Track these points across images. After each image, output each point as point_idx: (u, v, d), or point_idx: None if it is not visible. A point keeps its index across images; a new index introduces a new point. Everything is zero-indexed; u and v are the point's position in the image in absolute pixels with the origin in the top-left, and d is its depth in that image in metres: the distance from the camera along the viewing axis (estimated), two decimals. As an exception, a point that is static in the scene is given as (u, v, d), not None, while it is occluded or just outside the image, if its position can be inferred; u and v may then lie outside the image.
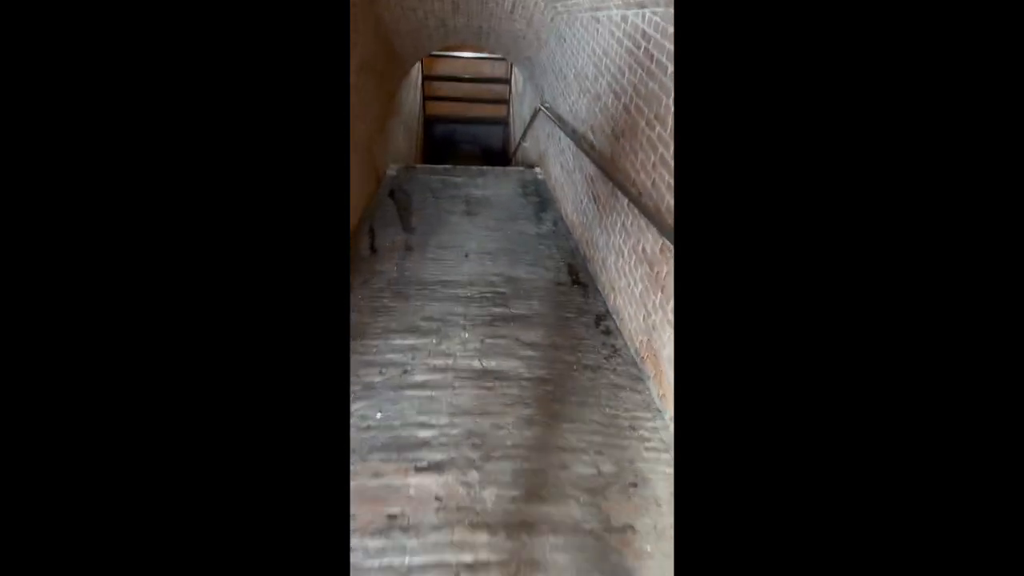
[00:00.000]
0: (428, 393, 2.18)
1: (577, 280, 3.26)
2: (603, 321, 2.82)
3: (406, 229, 3.83)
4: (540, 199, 4.66)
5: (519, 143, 7.21)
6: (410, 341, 2.50)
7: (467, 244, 3.64)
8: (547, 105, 4.90)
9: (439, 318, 2.71)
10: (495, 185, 4.98)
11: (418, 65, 8.11)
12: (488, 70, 10.16)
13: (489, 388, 2.25)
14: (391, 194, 4.55)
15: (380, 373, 2.29)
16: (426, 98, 8.90)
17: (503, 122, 9.47)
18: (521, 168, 5.51)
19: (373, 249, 3.48)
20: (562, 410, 2.18)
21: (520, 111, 7.66)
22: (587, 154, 3.34)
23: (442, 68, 9.75)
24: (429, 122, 9.47)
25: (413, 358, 2.38)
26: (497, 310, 2.82)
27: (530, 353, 2.49)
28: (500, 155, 10.71)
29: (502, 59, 8.72)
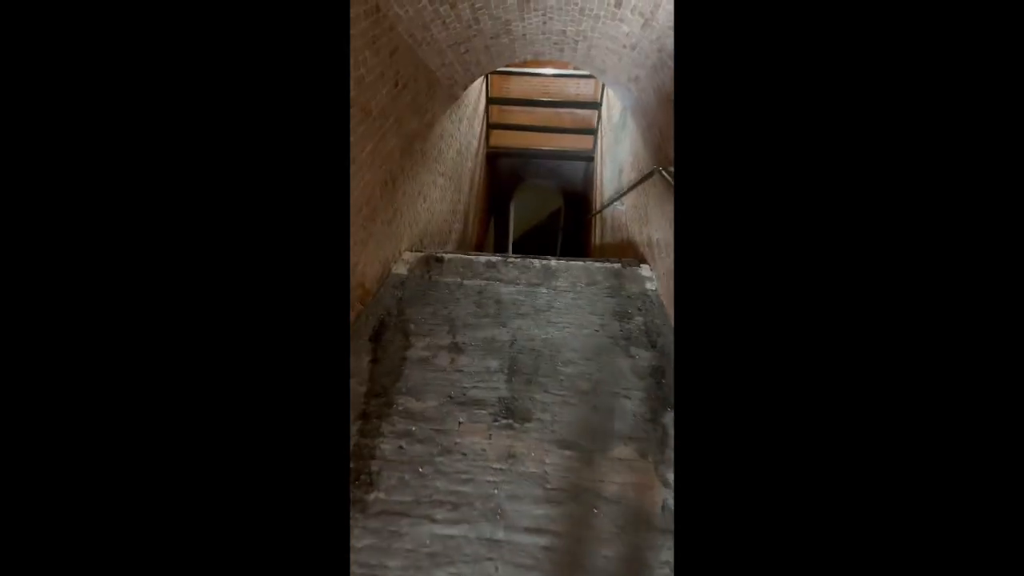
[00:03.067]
0: None
1: None
2: None
3: (357, 506, 1.61)
4: (657, 353, 2.29)
5: (611, 200, 4.81)
6: None
7: None
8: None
9: None
10: (569, 309, 2.65)
11: (480, 86, 5.96)
12: (572, 90, 7.83)
13: None
14: (374, 336, 2.38)
15: None
16: (490, 126, 6.75)
17: (587, 157, 7.11)
18: (616, 265, 3.14)
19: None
20: None
21: (612, 147, 5.27)
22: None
23: (513, 88, 7.56)
24: (492, 157, 7.31)
25: None
26: None
27: None
28: (581, 197, 8.34)
29: (589, 76, 6.37)
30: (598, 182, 6.33)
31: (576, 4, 3.25)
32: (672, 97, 2.75)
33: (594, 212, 6.18)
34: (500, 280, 2.94)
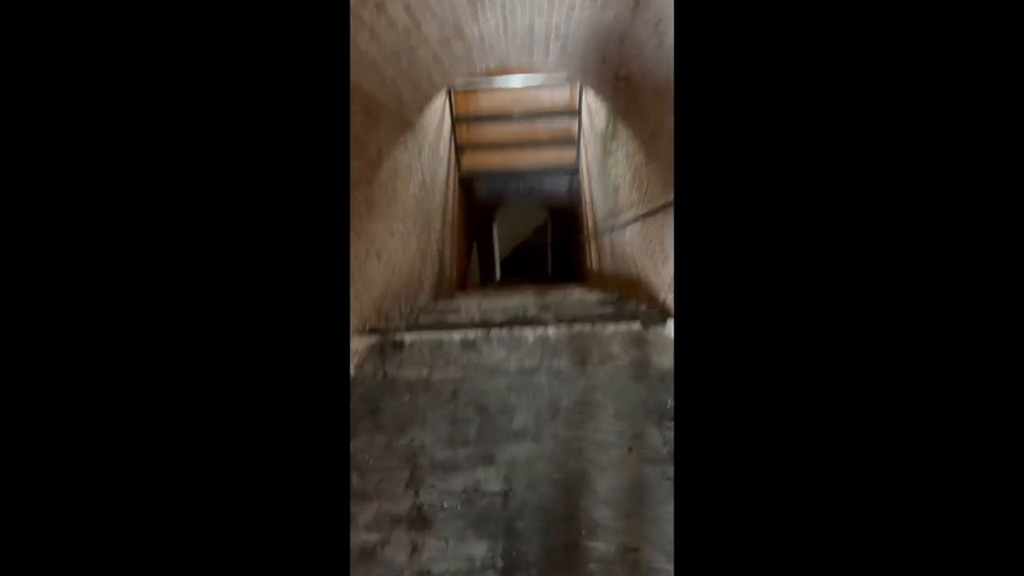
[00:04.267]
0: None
1: None
2: None
3: None
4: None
5: (611, 226, 4.01)
6: None
7: None
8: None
9: None
10: (583, 411, 1.81)
11: (443, 105, 5.18)
12: (546, 99, 7.07)
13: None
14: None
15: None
16: (459, 148, 5.96)
17: (571, 170, 6.33)
18: (635, 326, 2.30)
19: None
20: None
21: (600, 159, 4.50)
22: None
23: (481, 104, 6.80)
24: (466, 181, 6.51)
25: None
26: None
27: None
28: (568, 212, 7.57)
29: (563, 83, 5.62)
30: (587, 198, 5.54)
31: (544, -11, 2.47)
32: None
33: (587, 235, 5.39)
34: (482, 367, 2.11)
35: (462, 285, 6.26)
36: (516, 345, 2.24)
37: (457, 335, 2.32)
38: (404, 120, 3.44)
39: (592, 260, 5.35)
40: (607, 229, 4.05)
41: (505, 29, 2.93)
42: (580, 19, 2.62)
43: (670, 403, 1.84)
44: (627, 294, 3.59)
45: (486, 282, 8.29)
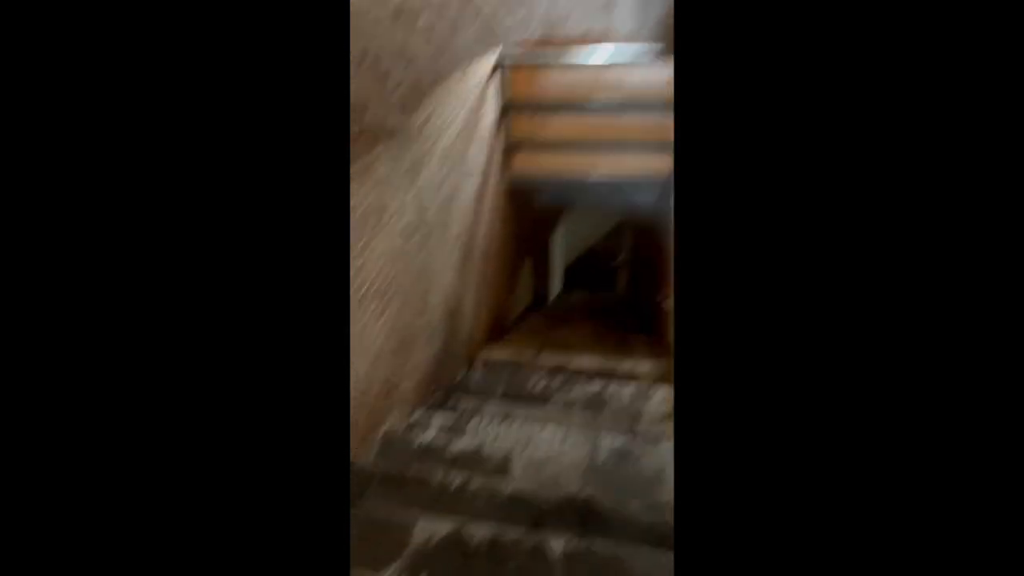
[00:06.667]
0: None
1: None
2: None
3: None
4: None
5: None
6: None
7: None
8: None
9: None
10: None
11: (480, 88, 3.54)
12: (637, 81, 5.15)
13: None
14: None
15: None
16: (511, 146, 4.30)
17: (661, 185, 4.47)
18: None
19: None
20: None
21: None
22: None
23: (549, 85, 5.04)
24: (518, 194, 4.84)
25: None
26: None
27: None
28: (649, 235, 5.70)
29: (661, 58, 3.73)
30: (682, 236, 3.71)
31: None
32: None
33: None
34: None
35: (497, 332, 4.72)
36: None
37: None
38: (367, 135, 1.89)
39: (680, 333, 3.57)
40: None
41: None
42: None
43: None
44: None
45: (537, 307, 6.68)
